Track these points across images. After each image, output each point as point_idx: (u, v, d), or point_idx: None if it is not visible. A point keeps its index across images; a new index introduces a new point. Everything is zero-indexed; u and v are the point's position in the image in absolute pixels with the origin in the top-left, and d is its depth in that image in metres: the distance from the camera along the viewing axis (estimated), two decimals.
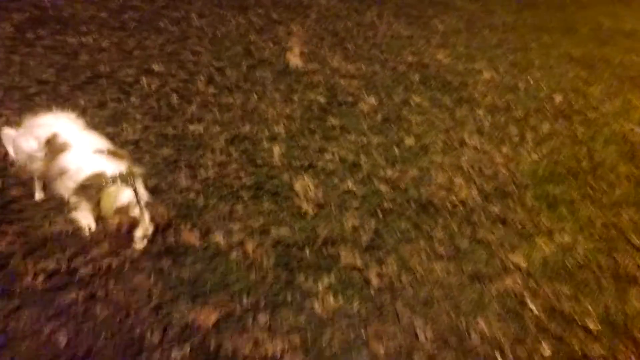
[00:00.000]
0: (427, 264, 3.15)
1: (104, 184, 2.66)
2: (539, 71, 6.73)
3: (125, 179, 2.68)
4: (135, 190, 2.63)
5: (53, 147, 2.78)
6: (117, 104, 4.34)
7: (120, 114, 4.21)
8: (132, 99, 4.45)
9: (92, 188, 2.69)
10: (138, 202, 2.60)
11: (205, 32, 6.16)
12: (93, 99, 4.35)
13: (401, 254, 3.18)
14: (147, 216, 2.60)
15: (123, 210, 2.59)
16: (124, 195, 2.62)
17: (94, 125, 3.88)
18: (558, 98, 5.94)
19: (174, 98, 4.56)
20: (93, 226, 2.82)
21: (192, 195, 3.33)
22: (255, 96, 4.85)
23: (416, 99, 5.36)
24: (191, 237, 2.96)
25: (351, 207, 3.54)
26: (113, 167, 2.74)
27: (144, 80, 4.75)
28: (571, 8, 10.68)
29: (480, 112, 5.33)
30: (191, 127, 4.16)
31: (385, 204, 3.62)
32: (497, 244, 3.43)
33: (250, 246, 2.99)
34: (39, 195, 3.07)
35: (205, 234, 3.04)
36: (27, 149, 2.87)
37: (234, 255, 2.93)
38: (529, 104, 5.67)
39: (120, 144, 3.77)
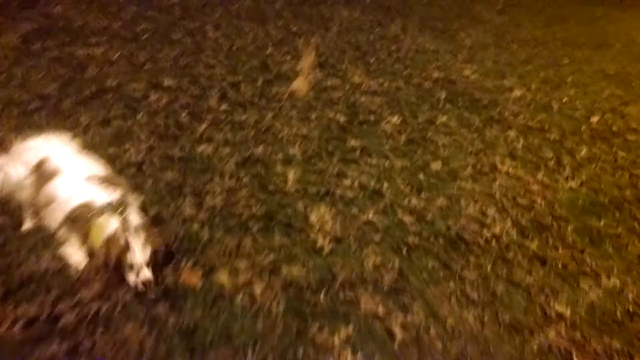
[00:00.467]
0: (458, 311, 2.76)
1: (93, 215, 2.36)
2: (573, 89, 6.32)
3: (117, 208, 2.37)
4: (126, 221, 2.32)
5: (42, 172, 2.49)
6: (122, 122, 4.07)
7: (125, 132, 3.94)
8: (139, 116, 4.18)
9: (80, 220, 2.39)
10: (128, 234, 2.28)
11: (220, 45, 5.91)
12: (97, 115, 4.08)
13: (428, 299, 2.81)
14: (138, 251, 2.27)
15: (111, 242, 2.28)
16: (113, 226, 2.31)
17: (95, 145, 3.63)
18: (595, 118, 5.51)
19: (183, 115, 4.28)
20: (82, 263, 2.51)
21: (195, 226, 3.01)
22: (270, 114, 4.54)
23: (442, 118, 5.00)
24: (192, 276, 2.63)
25: (372, 242, 3.18)
26: (105, 196, 2.43)
27: (152, 95, 4.48)
28: (601, 22, 10.25)
29: (512, 133, 4.94)
30: (199, 148, 3.85)
31: (410, 239, 3.25)
32: (537, 288, 3.03)
33: (258, 288, 2.65)
34: (27, 225, 2.77)
35: (209, 272, 2.70)
36: (14, 175, 2.59)
37: (239, 299, 2.58)
38: (564, 125, 5.26)
39: (121, 167, 3.49)
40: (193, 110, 4.41)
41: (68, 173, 2.51)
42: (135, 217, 2.40)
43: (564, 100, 5.89)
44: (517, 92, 5.95)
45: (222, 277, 2.68)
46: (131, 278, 2.32)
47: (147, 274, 2.30)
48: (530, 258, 3.28)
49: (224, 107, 4.55)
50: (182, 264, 2.71)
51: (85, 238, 2.40)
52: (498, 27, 8.85)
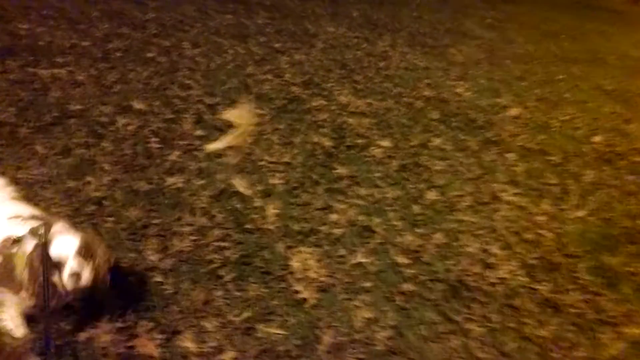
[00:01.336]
0: None
1: (12, 250, 1.95)
2: (572, 107, 6.04)
3: (36, 232, 1.94)
4: (45, 245, 1.90)
5: None
6: (85, 151, 3.67)
7: (87, 163, 3.53)
8: (104, 143, 3.78)
9: (3, 266, 1.97)
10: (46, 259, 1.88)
11: (198, 64, 5.54)
12: (56, 144, 3.68)
13: None
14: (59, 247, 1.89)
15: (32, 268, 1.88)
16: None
17: (52, 178, 3.21)
18: (597, 138, 5.22)
19: (153, 142, 3.88)
20: (19, 332, 2.09)
21: (158, 277, 2.59)
22: (249, 139, 4.15)
23: (436, 141, 4.65)
24: (149, 344, 2.21)
25: (362, 290, 2.78)
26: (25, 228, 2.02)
27: (120, 120, 4.09)
28: (593, 37, 10.10)
29: (511, 156, 4.60)
30: (169, 180, 3.45)
31: (405, 285, 2.85)
32: (551, 342, 2.64)
33: (228, 356, 2.23)
34: None
35: (170, 337, 2.28)
36: None
37: None
38: (566, 146, 4.94)
39: (79, 204, 3.08)
40: (164, 137, 4.02)
41: None
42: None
43: (563, 119, 5.59)
44: (514, 111, 5.65)
45: (187, 342, 2.26)
46: (60, 281, 1.92)
47: (73, 266, 1.90)
48: (541, 304, 2.90)
49: (199, 132, 4.16)
50: (137, 327, 2.28)
51: (17, 288, 1.98)
52: (489, 43, 8.62)
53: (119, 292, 2.38)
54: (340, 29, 7.65)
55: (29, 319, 2.05)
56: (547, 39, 9.30)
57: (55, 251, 1.92)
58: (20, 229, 2.01)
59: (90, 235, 2.09)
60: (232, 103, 4.65)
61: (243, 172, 3.70)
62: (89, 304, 2.24)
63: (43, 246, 1.91)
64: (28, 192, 3.10)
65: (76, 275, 1.91)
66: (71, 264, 1.91)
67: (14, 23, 5.54)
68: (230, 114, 2.74)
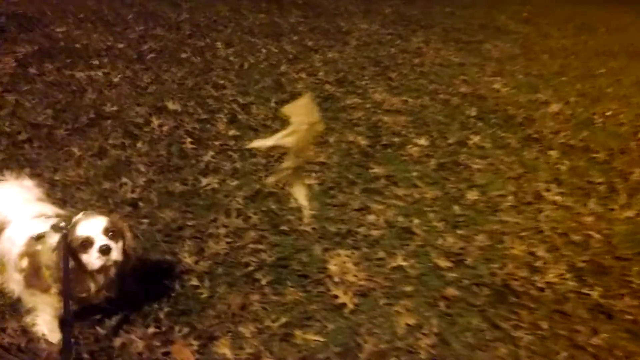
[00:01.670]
0: None
1: (36, 247, 1.94)
2: (614, 102, 5.77)
3: (58, 227, 1.92)
4: (65, 239, 1.88)
5: None
6: (121, 152, 3.67)
7: (122, 164, 3.53)
8: (139, 144, 3.78)
9: (30, 265, 1.96)
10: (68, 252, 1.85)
11: (231, 63, 5.52)
12: (92, 145, 3.69)
13: None
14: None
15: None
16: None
17: (88, 180, 3.22)
18: None
19: (188, 143, 3.86)
20: (53, 337, 2.07)
21: (194, 280, 2.54)
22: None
23: (475, 138, 4.49)
24: (185, 351, 2.16)
25: (403, 295, 2.68)
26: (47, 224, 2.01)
27: (155, 121, 4.08)
28: (632, 30, 9.69)
29: (554, 154, 4.41)
30: (204, 181, 3.42)
31: (449, 290, 2.73)
32: (606, 351, 2.49)
33: None
34: None
35: (206, 343, 2.23)
36: None
37: None
38: (610, 143, 4.72)
39: (114, 205, 3.07)
40: (199, 137, 3.99)
41: (13, 222, 2.08)
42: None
43: (607, 115, 5.34)
44: (554, 107, 5.43)
45: (223, 348, 2.20)
46: (88, 260, 1.89)
47: (103, 241, 1.87)
48: (592, 310, 2.75)
49: (233, 131, 4.12)
50: (174, 332, 2.24)
51: (46, 286, 1.96)
52: (525, 37, 8.35)
53: (154, 295, 2.35)
54: (374, 26, 7.53)
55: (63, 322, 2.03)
56: (584, 33, 8.97)
57: (82, 231, 1.88)
58: (43, 226, 2.00)
59: (116, 217, 2.06)
60: (292, 98, 4.52)
61: (278, 172, 3.63)
62: (119, 304, 2.21)
63: (64, 238, 1.88)
64: (64, 194, 3.13)
65: (105, 251, 1.87)
66: (100, 240, 1.87)
67: (51, 26, 5.63)
68: (288, 109, 2.51)
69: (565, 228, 3.40)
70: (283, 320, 2.40)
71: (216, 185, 3.39)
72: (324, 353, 2.26)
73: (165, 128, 4.02)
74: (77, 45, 5.31)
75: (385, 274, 2.81)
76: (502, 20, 9.28)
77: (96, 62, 5.01)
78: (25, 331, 2.11)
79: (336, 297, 2.58)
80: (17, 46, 5.00)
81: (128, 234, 2.01)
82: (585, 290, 2.87)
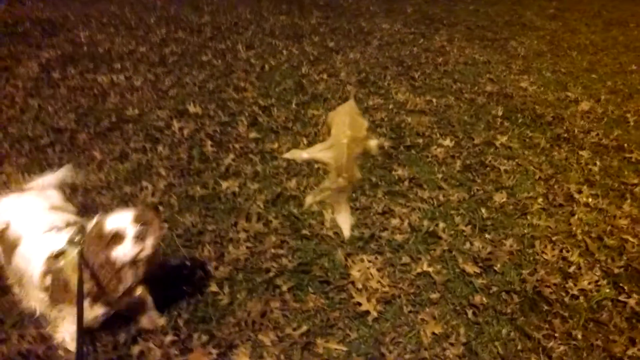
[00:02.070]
0: None
1: (59, 264, 1.91)
2: None
3: (74, 240, 1.90)
4: (81, 253, 1.86)
5: (7, 242, 2.02)
6: (142, 155, 3.66)
7: (143, 168, 3.51)
8: (160, 148, 3.76)
9: (56, 282, 1.92)
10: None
11: (252, 65, 5.47)
12: (114, 149, 3.69)
13: None
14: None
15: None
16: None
17: (109, 184, 3.20)
18: None
19: (209, 146, 3.82)
20: (72, 345, 2.04)
21: (213, 287, 2.49)
22: (305, 140, 4.02)
23: (502, 138, 4.35)
24: (204, 359, 2.11)
25: (429, 302, 2.58)
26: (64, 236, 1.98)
27: (176, 124, 4.05)
28: None
29: (585, 154, 4.24)
30: (224, 185, 3.37)
31: (477, 297, 2.63)
32: None
33: None
34: None
35: (225, 351, 2.17)
36: None
37: None
38: None
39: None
40: (220, 140, 3.96)
41: (29, 235, 2.04)
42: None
43: None
44: (585, 105, 5.23)
45: (243, 357, 2.15)
46: (122, 252, 1.86)
47: (135, 229, 1.85)
48: (629, 319, 2.61)
49: (254, 134, 4.07)
50: (192, 340, 2.19)
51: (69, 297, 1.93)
52: (552, 34, 8.11)
53: (173, 301, 2.30)
54: (396, 26, 7.41)
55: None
56: (614, 28, 8.67)
57: (111, 225, 1.86)
58: (57, 239, 1.96)
59: (143, 208, 2.02)
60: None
61: (299, 175, 3.57)
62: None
63: (80, 253, 1.85)
64: (85, 199, 3.12)
65: (141, 238, 1.85)
66: (131, 229, 1.85)
67: (75, 31, 5.68)
68: (331, 116, 2.23)
69: (599, 232, 3.25)
70: (304, 328, 2.33)
71: (236, 189, 3.34)
72: None
73: (186, 131, 3.99)
74: (100, 50, 5.34)
75: (410, 280, 2.72)
76: (528, 16, 9.05)
77: (118, 66, 5.03)
78: (43, 338, 2.09)
79: (359, 304, 2.51)
80: (41, 51, 5.06)
81: (157, 227, 1.97)
82: (622, 298, 2.73)
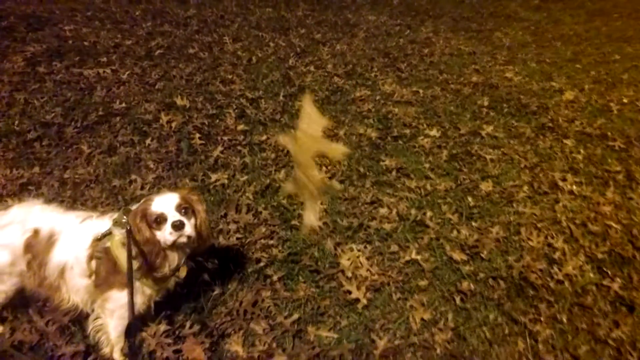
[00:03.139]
0: None
1: (105, 245, 1.96)
2: (630, 88, 5.63)
3: (120, 221, 1.94)
4: (129, 232, 1.90)
5: (38, 247, 2.01)
6: (130, 148, 3.65)
7: (132, 161, 3.51)
8: (148, 141, 3.75)
9: (105, 262, 1.96)
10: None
11: (239, 58, 5.47)
12: (102, 143, 3.67)
13: None
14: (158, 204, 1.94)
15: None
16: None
17: (98, 177, 3.21)
18: None
19: (197, 139, 3.82)
20: (118, 358, 2.06)
21: (205, 276, 2.51)
22: (293, 132, 4.02)
23: (488, 128, 4.41)
24: (197, 349, 2.13)
25: (417, 289, 2.63)
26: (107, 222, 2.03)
27: (164, 117, 4.05)
28: None
29: (569, 142, 4.31)
30: (213, 177, 3.38)
31: (464, 283, 2.68)
32: (628, 344, 2.43)
33: None
34: None
35: (218, 340, 2.20)
36: None
37: None
38: (627, 130, 4.60)
39: (125, 203, 3.04)
40: (208, 132, 3.96)
41: (65, 231, 2.05)
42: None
43: (623, 101, 5.21)
44: (569, 95, 5.31)
45: (235, 345, 2.17)
46: (162, 236, 1.93)
47: (175, 217, 1.91)
48: (613, 302, 2.68)
49: (242, 126, 4.08)
50: (185, 330, 2.21)
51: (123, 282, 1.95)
52: (536, 24, 8.20)
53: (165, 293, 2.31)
54: (382, 17, 7.43)
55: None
56: (597, 18, 8.78)
57: (156, 208, 1.92)
58: (99, 225, 2.00)
59: (188, 192, 2.07)
60: (301, 92, 4.43)
61: (287, 166, 3.59)
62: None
63: (128, 232, 1.89)
64: (74, 192, 3.11)
65: (178, 227, 1.90)
66: (172, 216, 1.90)
67: (60, 25, 5.61)
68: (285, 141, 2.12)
69: (583, 218, 3.32)
70: (295, 316, 2.37)
71: (225, 181, 3.36)
72: (337, 349, 2.22)
73: (174, 124, 3.99)
74: (86, 43, 5.29)
75: (398, 268, 2.76)
76: (513, 7, 9.13)
77: (104, 59, 4.98)
78: (37, 330, 2.10)
79: (349, 292, 2.54)
80: (26, 45, 4.99)
81: (200, 209, 2.02)
82: (606, 283, 2.80)
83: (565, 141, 4.34)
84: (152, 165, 3.47)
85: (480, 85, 5.39)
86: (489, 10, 8.78)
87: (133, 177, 3.31)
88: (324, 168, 3.61)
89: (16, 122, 3.76)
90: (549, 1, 9.86)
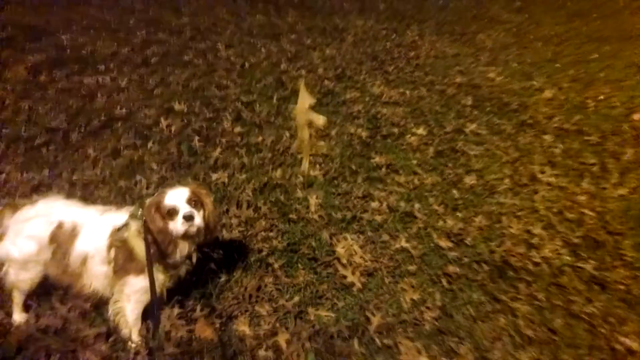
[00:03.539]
0: (513, 352, 2.42)
1: (123, 235, 2.17)
2: (607, 86, 5.91)
3: (136, 214, 2.16)
4: (145, 222, 2.12)
5: (62, 238, 2.22)
6: (133, 151, 3.85)
7: (136, 163, 3.71)
8: (150, 144, 3.95)
9: (122, 251, 2.17)
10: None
11: (233, 64, 5.68)
12: (106, 146, 3.87)
13: (477, 340, 2.47)
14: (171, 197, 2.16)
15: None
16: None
17: (104, 178, 3.40)
18: (636, 116, 5.10)
19: (196, 141, 4.03)
20: (136, 338, 2.26)
21: (212, 265, 2.72)
22: (287, 133, 4.26)
23: (471, 126, 4.66)
24: (208, 329, 2.34)
25: (407, 274, 2.86)
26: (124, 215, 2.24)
27: (164, 122, 4.25)
28: (625, 14, 9.76)
29: (548, 138, 4.58)
30: (214, 176, 3.59)
31: (450, 267, 2.91)
32: (600, 318, 2.67)
33: (282, 338, 2.35)
34: (20, 316, 2.38)
35: (226, 321, 2.41)
36: (19, 254, 2.23)
37: (262, 352, 2.28)
38: (603, 126, 4.88)
39: (131, 201, 3.24)
40: (207, 135, 4.17)
41: (87, 223, 2.25)
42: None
43: (599, 99, 5.49)
44: (548, 93, 5.59)
45: (242, 326, 2.39)
46: (174, 227, 2.12)
47: (186, 209, 2.11)
48: (587, 282, 2.93)
49: (238, 129, 4.30)
50: (197, 313, 2.42)
51: (140, 269, 2.17)
52: (518, 26, 8.50)
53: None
54: (369, 22, 7.68)
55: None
56: (577, 19, 9.08)
57: (168, 201, 2.12)
58: (117, 218, 2.21)
59: (198, 187, 2.27)
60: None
61: (283, 165, 3.81)
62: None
63: (145, 223, 2.10)
64: (84, 193, 3.30)
65: (189, 218, 2.09)
66: (183, 209, 2.10)
67: (57, 35, 5.79)
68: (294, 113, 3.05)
69: (559, 207, 3.57)
70: (296, 299, 2.58)
71: (226, 179, 3.56)
72: (335, 327, 2.44)
73: (173, 128, 4.19)
74: (84, 52, 5.47)
75: (389, 255, 2.99)
76: (495, 10, 9.42)
77: (103, 67, 5.17)
78: (60, 316, 2.29)
79: (344, 277, 2.77)
80: (26, 55, 5.17)
81: (208, 202, 2.22)
82: (580, 264, 3.05)
83: (544, 137, 4.60)
84: (155, 167, 3.66)
85: (464, 86, 5.65)
86: (472, 13, 9.07)
87: (138, 177, 3.51)
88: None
89: (23, 129, 3.94)
90: (530, 3, 10.17)
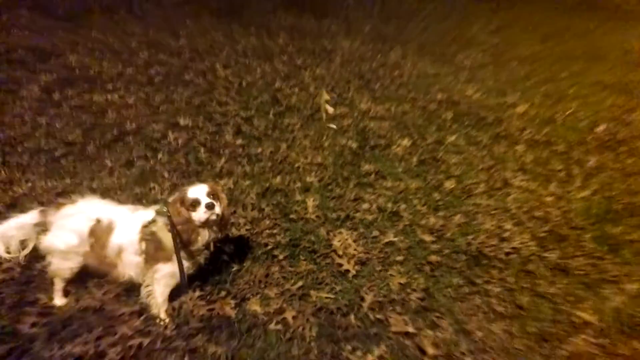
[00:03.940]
0: (486, 325, 2.84)
1: (152, 229, 2.57)
2: (574, 101, 6.45)
3: (162, 211, 2.56)
4: (170, 218, 2.51)
5: (99, 232, 2.60)
6: (145, 162, 4.22)
7: (148, 172, 4.08)
8: (160, 155, 4.33)
9: (152, 244, 2.56)
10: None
11: (231, 83, 6.10)
12: (120, 157, 4.24)
13: (456, 315, 2.89)
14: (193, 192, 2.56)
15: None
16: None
17: (121, 186, 3.77)
18: (599, 128, 5.64)
19: (202, 152, 4.43)
20: (163, 316, 2.64)
21: (224, 257, 3.11)
22: (284, 145, 4.68)
23: (451, 138, 5.13)
24: (226, 307, 2.72)
25: (395, 263, 3.28)
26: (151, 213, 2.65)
27: (171, 135, 4.64)
28: (596, 34, 10.41)
29: (520, 148, 5.07)
30: (221, 182, 3.99)
31: (432, 257, 3.34)
32: (562, 297, 3.11)
33: (289, 314, 2.74)
34: (60, 300, 2.73)
35: (240, 302, 2.80)
36: (62, 246, 2.60)
37: (272, 326, 2.67)
38: (570, 137, 5.39)
39: (148, 205, 3.61)
40: (211, 146, 4.56)
41: (120, 219, 2.64)
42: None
43: (567, 113, 6.01)
44: (521, 108, 6.09)
45: (254, 305, 2.78)
46: (197, 216, 2.51)
47: (207, 200, 2.50)
48: (552, 268, 3.37)
49: (239, 141, 4.70)
50: (214, 295, 2.81)
51: (169, 257, 2.56)
52: (495, 47, 9.04)
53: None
54: (355, 44, 8.18)
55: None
56: (551, 39, 9.67)
57: (191, 194, 2.52)
58: (146, 215, 2.62)
59: (214, 184, 2.70)
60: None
61: (282, 173, 4.22)
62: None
63: (169, 218, 2.49)
64: (104, 198, 3.67)
65: (210, 206, 2.49)
66: (205, 200, 2.50)
67: (64, 56, 6.17)
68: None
69: (529, 207, 4.03)
70: (300, 284, 2.98)
71: (232, 185, 3.96)
72: (334, 305, 2.84)
73: (180, 140, 4.58)
74: (91, 72, 5.86)
75: (379, 247, 3.41)
76: (473, 31, 9.98)
77: (110, 86, 5.56)
78: (96, 299, 2.66)
79: (341, 265, 3.17)
80: (38, 75, 5.53)
81: (223, 196, 2.64)
82: (546, 254, 3.50)
83: (516, 147, 5.08)
84: (166, 175, 4.05)
85: (444, 102, 6.13)
86: (451, 35, 9.62)
87: (152, 185, 3.88)
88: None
89: (43, 142, 4.30)
90: (506, 25, 10.75)
